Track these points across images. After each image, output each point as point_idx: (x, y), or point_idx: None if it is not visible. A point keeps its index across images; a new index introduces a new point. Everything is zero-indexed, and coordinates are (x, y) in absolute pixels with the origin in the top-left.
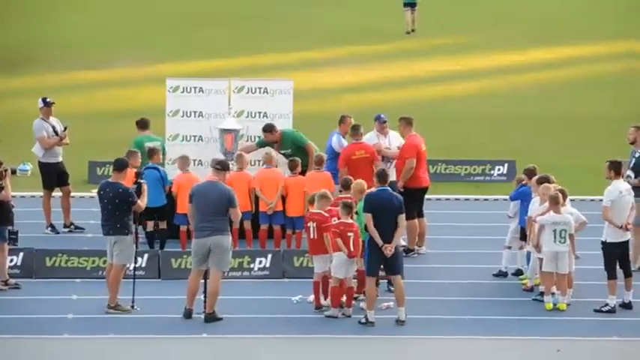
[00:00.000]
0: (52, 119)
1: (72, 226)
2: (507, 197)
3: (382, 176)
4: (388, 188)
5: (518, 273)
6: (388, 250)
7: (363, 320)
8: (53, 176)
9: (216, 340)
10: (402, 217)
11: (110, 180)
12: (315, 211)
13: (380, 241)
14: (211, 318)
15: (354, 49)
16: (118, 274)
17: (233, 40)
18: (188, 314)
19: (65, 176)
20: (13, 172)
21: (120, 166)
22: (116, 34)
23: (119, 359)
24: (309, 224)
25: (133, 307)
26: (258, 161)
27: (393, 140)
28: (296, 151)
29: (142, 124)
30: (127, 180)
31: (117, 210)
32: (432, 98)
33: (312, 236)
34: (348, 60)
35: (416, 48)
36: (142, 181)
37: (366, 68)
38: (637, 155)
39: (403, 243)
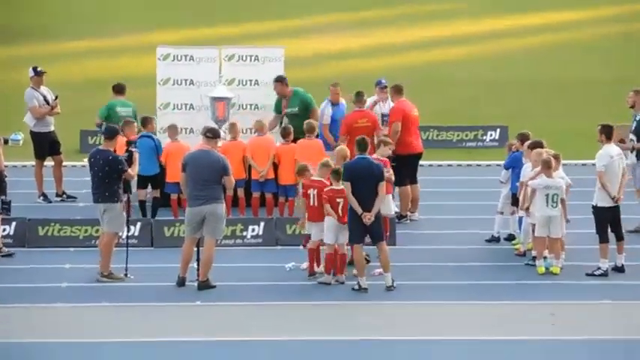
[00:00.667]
0: (43, 88)
1: (64, 195)
2: (500, 163)
3: (362, 144)
4: (368, 156)
5: (511, 238)
6: (367, 218)
7: (356, 287)
8: (45, 145)
9: (210, 308)
10: (382, 185)
11: (100, 147)
12: (315, 178)
13: (359, 210)
14: (205, 286)
15: (344, 15)
16: (110, 242)
17: (228, 10)
18: (181, 282)
19: (57, 145)
20: (5, 142)
21: (110, 133)
22: (111, 8)
23: (113, 327)
24: (309, 191)
25: (126, 275)
26: (250, 129)
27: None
28: (303, 111)
29: (118, 89)
30: (119, 148)
31: (106, 177)
32: (422, 64)
33: (311, 203)
34: (339, 26)
35: (407, 14)
36: (133, 149)
37: (356, 35)
38: (638, 119)
39: (396, 209)
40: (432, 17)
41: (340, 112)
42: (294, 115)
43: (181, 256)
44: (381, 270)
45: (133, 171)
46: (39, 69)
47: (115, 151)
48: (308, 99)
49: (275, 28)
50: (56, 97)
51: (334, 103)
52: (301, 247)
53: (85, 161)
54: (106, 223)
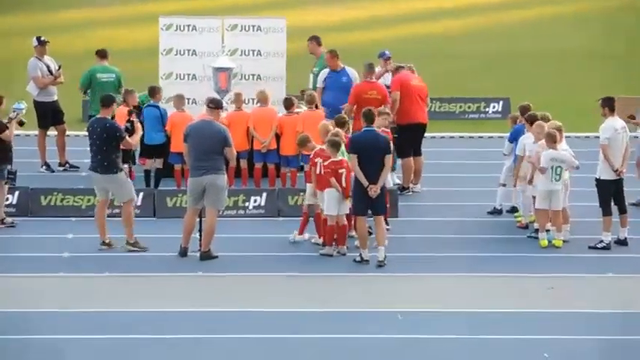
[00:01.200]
0: (47, 58)
1: (67, 165)
2: (502, 135)
3: (369, 116)
4: (374, 128)
5: (513, 210)
6: (373, 190)
7: (358, 258)
8: (48, 115)
9: (212, 279)
10: (389, 158)
11: (98, 116)
12: (324, 147)
13: (365, 182)
14: (206, 256)
15: None
16: (129, 211)
17: None
18: (183, 252)
19: (60, 115)
20: (21, 124)
21: (106, 101)
22: None
23: (115, 297)
24: (316, 160)
25: (125, 245)
26: (252, 100)
27: None
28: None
29: (101, 54)
30: (120, 118)
31: (104, 145)
32: (423, 36)
33: (318, 172)
34: None
35: None
36: (134, 119)
37: (354, 7)
38: None
39: (398, 181)
40: None
41: (339, 79)
42: (315, 75)
43: (183, 226)
44: None
45: (134, 140)
46: (42, 38)
47: (113, 119)
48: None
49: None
50: (59, 67)
51: (333, 70)
52: (294, 236)
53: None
54: (117, 195)
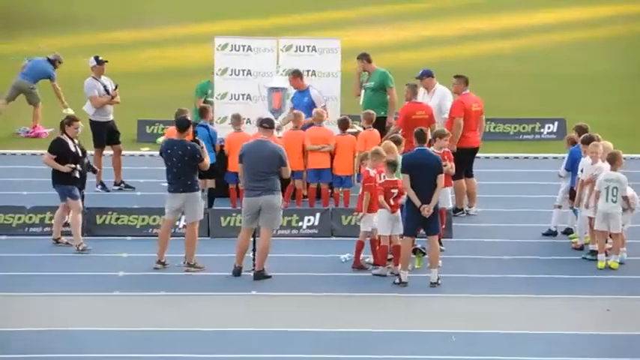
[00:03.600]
0: (104, 78)
1: (122, 184)
2: (557, 156)
3: (421, 136)
4: (427, 148)
5: (568, 232)
6: (426, 210)
7: (397, 280)
8: (104, 134)
9: (265, 298)
10: (440, 177)
11: (174, 138)
12: (366, 168)
13: (418, 202)
14: (260, 276)
15: (391, 8)
16: (193, 230)
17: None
18: (237, 272)
19: (116, 134)
20: (94, 171)
21: (181, 126)
22: None
23: (169, 316)
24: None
25: (184, 264)
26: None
27: (436, 97)
28: (378, 89)
29: None
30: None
31: (186, 167)
32: (472, 56)
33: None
34: (386, 19)
35: (453, 6)
36: (198, 138)
37: (405, 28)
38: None
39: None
40: (476, 10)
41: (302, 99)
42: (371, 89)
43: (237, 245)
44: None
45: (207, 159)
46: (100, 58)
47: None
48: (385, 78)
49: (320, 20)
50: (116, 87)
51: (297, 90)
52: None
53: (143, 150)
54: (188, 213)
